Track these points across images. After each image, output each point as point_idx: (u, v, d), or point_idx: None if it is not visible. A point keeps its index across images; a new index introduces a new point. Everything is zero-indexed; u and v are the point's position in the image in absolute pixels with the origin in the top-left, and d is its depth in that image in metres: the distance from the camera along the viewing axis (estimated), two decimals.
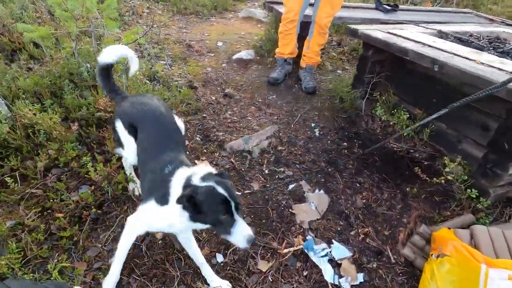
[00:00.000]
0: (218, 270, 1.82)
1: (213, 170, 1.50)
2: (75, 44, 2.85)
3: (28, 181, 2.08)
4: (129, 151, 1.87)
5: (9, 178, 1.96)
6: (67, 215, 1.90)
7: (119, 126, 1.87)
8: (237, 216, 1.35)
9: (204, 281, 1.74)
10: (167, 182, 1.47)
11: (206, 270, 1.74)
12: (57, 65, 2.93)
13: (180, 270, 1.78)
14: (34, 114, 2.23)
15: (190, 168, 1.51)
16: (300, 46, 3.74)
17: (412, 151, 2.82)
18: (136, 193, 2.11)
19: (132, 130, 1.80)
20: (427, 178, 2.40)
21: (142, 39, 3.84)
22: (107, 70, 2.01)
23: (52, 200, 1.95)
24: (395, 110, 2.94)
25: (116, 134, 1.92)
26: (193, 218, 1.37)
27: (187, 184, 1.39)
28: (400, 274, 1.95)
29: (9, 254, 1.56)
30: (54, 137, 2.26)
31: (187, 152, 2.02)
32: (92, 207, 1.95)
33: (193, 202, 1.30)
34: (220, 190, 1.33)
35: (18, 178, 2.06)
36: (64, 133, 2.25)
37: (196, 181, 1.39)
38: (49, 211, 1.92)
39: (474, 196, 2.17)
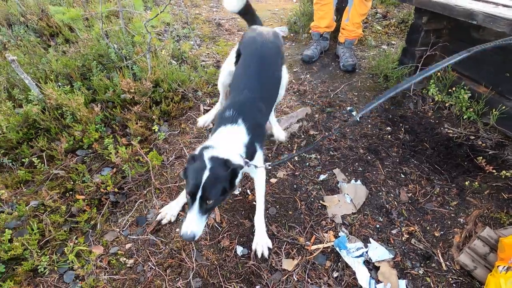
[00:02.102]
0: (238, 264, 1.66)
1: (237, 154, 1.47)
2: (101, 24, 2.80)
3: (54, 162, 2.10)
4: (223, 68, 2.21)
5: (36, 158, 1.98)
6: (88, 198, 1.87)
7: (235, 49, 2.06)
8: (193, 205, 1.28)
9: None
10: (216, 126, 1.59)
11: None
12: (87, 47, 2.93)
13: (197, 262, 1.66)
14: (60, 95, 2.22)
15: (234, 132, 1.52)
16: (339, 19, 3.33)
17: (473, 137, 2.36)
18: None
19: (238, 55, 1.95)
20: (493, 171, 1.97)
21: (170, 18, 3.72)
22: (245, 10, 2.22)
23: (74, 182, 1.93)
24: (453, 89, 2.47)
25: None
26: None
27: (201, 150, 1.42)
28: (454, 285, 1.62)
29: (28, 236, 1.56)
30: (78, 118, 2.24)
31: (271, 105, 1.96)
32: (114, 189, 1.89)
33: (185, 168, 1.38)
34: (203, 174, 1.28)
35: (45, 159, 2.08)
36: (87, 115, 2.22)
37: (212, 151, 1.40)
38: (70, 192, 1.90)
39: None
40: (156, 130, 2.32)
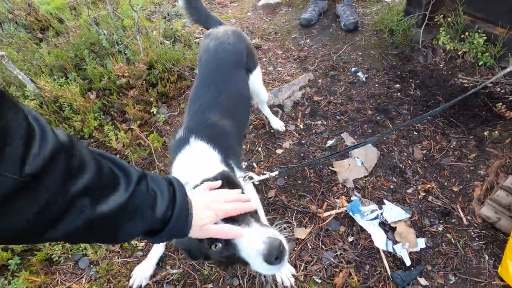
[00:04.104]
0: None
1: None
2: (87, 10, 2.69)
3: None
4: None
5: None
6: None
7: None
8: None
9: None
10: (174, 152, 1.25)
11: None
12: (77, 36, 2.85)
13: None
14: (54, 87, 2.17)
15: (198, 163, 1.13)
16: None
17: (490, 84, 2.18)
18: None
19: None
20: None
21: None
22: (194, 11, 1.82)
23: None
24: (466, 34, 2.26)
25: None
26: None
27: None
28: (476, 239, 1.55)
29: None
30: (76, 109, 2.21)
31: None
32: None
33: None
34: None
35: None
36: (84, 104, 2.18)
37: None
38: None
39: None
40: (154, 112, 2.26)
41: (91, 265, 1.53)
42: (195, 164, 1.13)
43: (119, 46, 2.74)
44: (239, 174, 1.30)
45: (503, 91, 2.11)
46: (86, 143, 2.14)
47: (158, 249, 1.52)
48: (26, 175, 0.42)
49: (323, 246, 1.58)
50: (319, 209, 1.73)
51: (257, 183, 1.29)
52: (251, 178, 1.28)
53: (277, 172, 1.32)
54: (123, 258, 1.56)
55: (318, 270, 1.50)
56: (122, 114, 2.34)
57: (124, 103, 2.29)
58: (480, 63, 2.18)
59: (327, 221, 1.67)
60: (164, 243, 1.51)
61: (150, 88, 2.45)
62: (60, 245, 1.57)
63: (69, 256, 1.56)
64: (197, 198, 0.76)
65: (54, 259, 1.52)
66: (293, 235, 1.63)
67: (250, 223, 0.85)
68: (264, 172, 1.89)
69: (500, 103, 1.88)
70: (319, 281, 1.47)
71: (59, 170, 0.47)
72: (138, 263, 1.54)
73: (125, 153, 1.97)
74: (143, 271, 1.48)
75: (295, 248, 1.58)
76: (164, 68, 2.58)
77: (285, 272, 1.44)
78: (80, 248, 1.56)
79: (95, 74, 2.51)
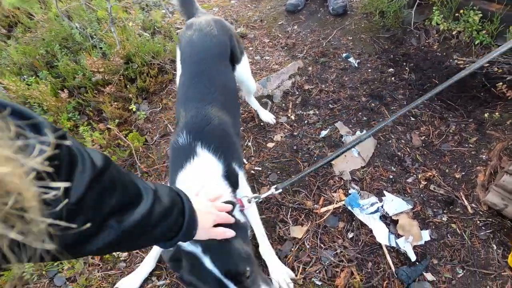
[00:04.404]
0: None
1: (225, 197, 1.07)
2: (56, 1, 2.48)
3: None
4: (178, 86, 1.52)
5: None
6: None
7: (178, 57, 1.59)
8: None
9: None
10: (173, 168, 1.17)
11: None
12: (47, 31, 2.64)
13: None
14: (19, 87, 1.98)
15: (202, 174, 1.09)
16: None
17: (487, 64, 2.09)
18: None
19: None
20: None
21: None
22: None
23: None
24: (461, 12, 2.16)
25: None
26: None
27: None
28: (483, 228, 1.46)
29: None
30: (47, 109, 2.02)
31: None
32: None
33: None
34: (206, 263, 0.88)
35: None
36: (56, 103, 1.99)
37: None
38: None
39: None
40: (134, 109, 2.09)
41: (68, 282, 1.38)
42: (201, 176, 1.10)
43: (93, 40, 2.55)
44: (242, 176, 1.28)
45: (501, 70, 2.02)
46: None
47: (148, 264, 1.38)
48: (70, 205, 0.47)
49: (321, 245, 1.47)
50: (315, 205, 1.61)
51: (261, 200, 1.24)
52: (256, 197, 1.20)
53: (280, 190, 1.23)
54: (104, 271, 1.42)
55: (317, 271, 1.39)
56: (99, 113, 2.16)
57: (100, 101, 2.11)
58: (476, 42, 2.08)
59: (325, 217, 1.56)
60: (156, 257, 1.39)
61: (128, 83, 2.28)
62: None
63: (43, 273, 1.41)
64: (199, 205, 0.83)
65: (25, 278, 1.37)
66: (289, 234, 1.51)
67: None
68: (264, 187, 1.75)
69: (501, 83, 1.79)
70: (320, 283, 1.36)
71: (95, 194, 0.53)
72: (121, 275, 1.40)
73: None
74: (128, 284, 1.34)
75: (292, 249, 1.47)
76: (143, 62, 2.40)
77: (283, 277, 1.32)
78: (55, 264, 1.41)
79: (68, 71, 2.31)
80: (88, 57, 2.27)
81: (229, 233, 0.92)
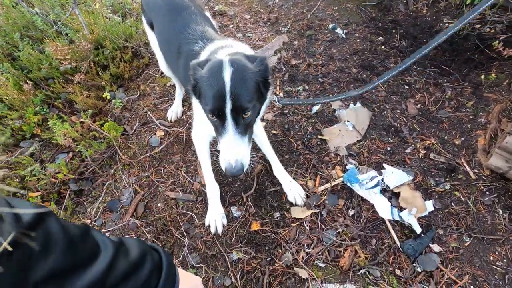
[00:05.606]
0: (237, 227, 1.40)
1: (249, 50, 1.18)
2: None
3: None
4: (156, 53, 1.68)
5: None
6: (44, 193, 1.54)
7: (144, 25, 1.66)
8: (225, 126, 0.92)
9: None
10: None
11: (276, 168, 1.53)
12: (4, 20, 2.37)
13: (189, 234, 1.40)
14: None
15: (221, 41, 1.19)
16: None
17: (479, 25, 2.00)
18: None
19: (151, 25, 1.58)
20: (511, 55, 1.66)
21: None
22: None
23: (22, 179, 1.58)
24: None
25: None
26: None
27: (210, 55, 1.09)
28: (487, 193, 1.40)
29: None
30: (11, 104, 1.82)
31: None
32: (71, 176, 1.56)
33: (194, 81, 0.97)
34: (225, 74, 0.89)
35: None
36: (19, 97, 1.80)
37: (224, 50, 1.08)
38: (22, 192, 1.57)
39: None
40: (108, 97, 1.92)
41: None
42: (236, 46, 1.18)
43: (57, 26, 2.31)
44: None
45: (493, 30, 1.94)
46: (28, 144, 1.79)
47: None
48: None
49: (322, 225, 1.38)
50: (312, 185, 1.52)
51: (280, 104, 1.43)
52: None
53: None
54: None
55: (320, 253, 1.31)
56: (71, 105, 1.98)
57: (70, 91, 1.92)
58: (468, 2, 1.98)
59: (323, 196, 1.47)
60: None
61: (101, 70, 2.08)
62: None
63: None
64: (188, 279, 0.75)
65: None
66: (292, 217, 1.41)
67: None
68: None
69: (497, 42, 1.70)
70: (323, 265, 1.27)
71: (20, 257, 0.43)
72: None
73: (77, 150, 1.65)
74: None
75: (289, 232, 1.38)
76: (115, 46, 2.21)
77: (297, 191, 1.45)
78: None
79: (32, 62, 2.09)
80: (52, 44, 2.05)
81: None
